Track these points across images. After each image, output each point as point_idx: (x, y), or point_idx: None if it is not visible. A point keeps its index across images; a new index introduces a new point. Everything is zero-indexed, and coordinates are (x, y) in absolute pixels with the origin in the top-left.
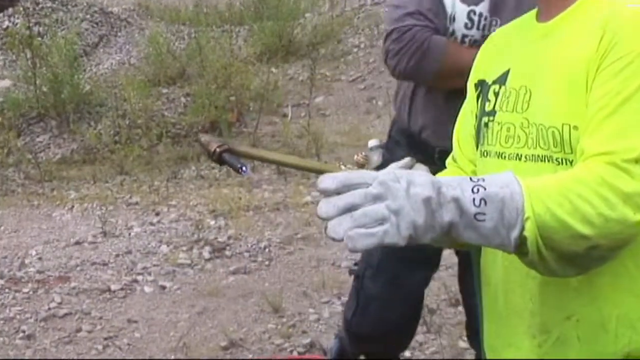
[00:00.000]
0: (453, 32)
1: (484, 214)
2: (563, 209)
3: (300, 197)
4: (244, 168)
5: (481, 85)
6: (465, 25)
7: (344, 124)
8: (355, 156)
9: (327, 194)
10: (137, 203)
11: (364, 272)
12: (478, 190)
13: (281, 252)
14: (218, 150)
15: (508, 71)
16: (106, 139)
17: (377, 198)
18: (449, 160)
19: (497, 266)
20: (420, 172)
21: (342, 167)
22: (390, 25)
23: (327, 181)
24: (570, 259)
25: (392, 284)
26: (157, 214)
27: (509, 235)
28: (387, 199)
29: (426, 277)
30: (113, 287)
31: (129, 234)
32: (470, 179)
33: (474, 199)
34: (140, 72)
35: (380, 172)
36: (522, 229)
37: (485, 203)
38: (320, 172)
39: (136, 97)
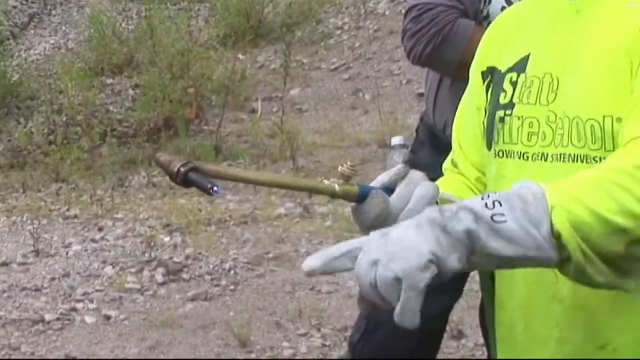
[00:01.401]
0: (487, 16)
1: (502, 214)
2: (596, 198)
3: (272, 209)
4: (215, 188)
5: (492, 74)
6: (504, 10)
7: (324, 122)
8: (340, 167)
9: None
10: (76, 216)
11: None
12: (489, 196)
13: (249, 274)
14: (183, 170)
15: (528, 57)
16: (39, 139)
17: (373, 264)
18: (447, 165)
19: (516, 287)
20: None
21: (326, 181)
22: (413, 0)
23: (311, 262)
24: (617, 264)
25: None
26: (101, 230)
27: (540, 231)
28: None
29: (447, 305)
30: (47, 318)
31: (67, 253)
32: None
33: (486, 204)
34: (79, 58)
35: (366, 238)
36: (551, 222)
37: (501, 204)
38: (302, 190)
39: (75, 89)
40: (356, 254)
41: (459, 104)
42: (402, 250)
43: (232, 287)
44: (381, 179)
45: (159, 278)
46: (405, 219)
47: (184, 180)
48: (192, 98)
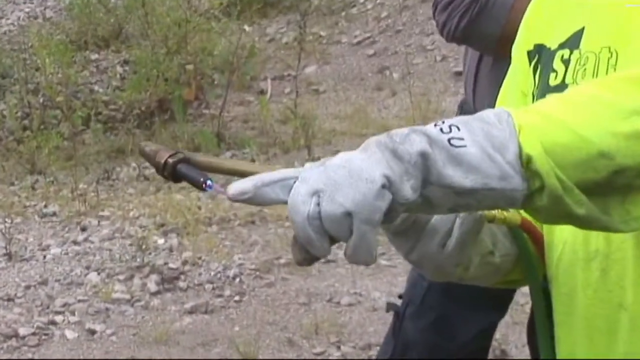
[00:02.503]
0: None
1: (460, 138)
2: (575, 115)
3: (284, 207)
4: (208, 182)
5: (539, 52)
6: None
7: (344, 105)
8: None
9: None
10: (54, 214)
11: (405, 309)
12: (443, 122)
13: (257, 283)
14: (171, 161)
15: (582, 30)
16: (11, 124)
17: (313, 194)
18: None
19: (576, 297)
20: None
21: None
22: None
23: (240, 184)
24: (597, 194)
25: (439, 327)
26: (84, 229)
27: (505, 156)
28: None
29: (491, 323)
30: (22, 332)
31: (44, 256)
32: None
33: (440, 129)
34: (58, 29)
35: (302, 168)
36: (519, 144)
37: (458, 128)
38: None
39: (53, 65)
40: (290, 184)
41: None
42: (348, 177)
43: (236, 298)
44: None
45: (152, 286)
46: (440, 221)
47: (172, 174)
48: (191, 76)
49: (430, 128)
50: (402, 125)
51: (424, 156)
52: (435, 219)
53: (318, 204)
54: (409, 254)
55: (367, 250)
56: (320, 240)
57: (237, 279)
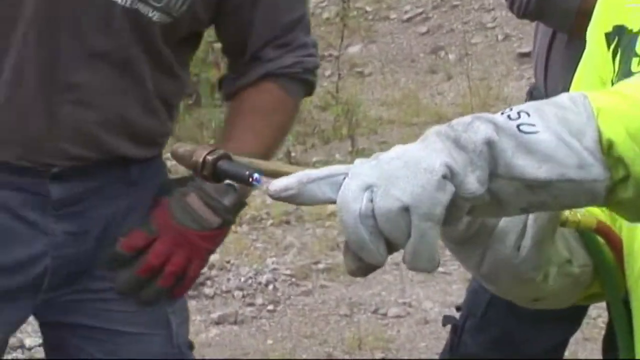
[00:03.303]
0: None
1: (531, 124)
2: None
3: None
4: (255, 176)
5: (618, 34)
6: None
7: (393, 89)
8: None
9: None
10: None
11: (464, 323)
12: (510, 109)
13: (293, 290)
14: (210, 159)
15: None
16: None
17: (365, 189)
18: None
19: None
20: None
21: None
22: None
23: (282, 181)
24: None
25: (503, 343)
26: None
27: (583, 142)
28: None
29: (559, 339)
30: (28, 342)
31: None
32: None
33: (508, 116)
34: None
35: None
36: (598, 129)
37: (528, 114)
38: None
39: None
40: (339, 180)
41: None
42: (404, 168)
43: (269, 307)
44: None
45: None
46: (510, 221)
47: (212, 172)
48: (217, 56)
49: (495, 116)
50: (458, 113)
51: (490, 144)
52: (504, 219)
53: (371, 200)
54: (479, 266)
55: (429, 253)
56: (374, 242)
57: (270, 286)
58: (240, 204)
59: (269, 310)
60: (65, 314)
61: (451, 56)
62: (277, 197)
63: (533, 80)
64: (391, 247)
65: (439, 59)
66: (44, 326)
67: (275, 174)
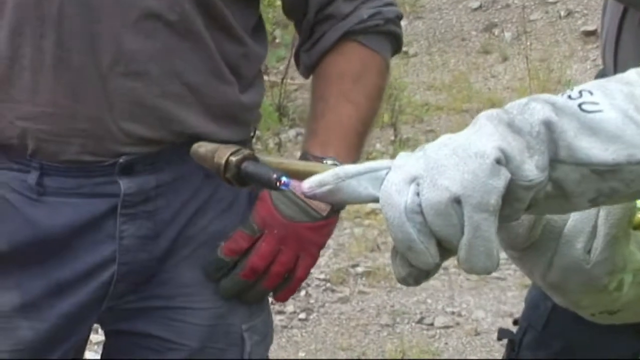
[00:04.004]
0: None
1: (594, 102)
2: None
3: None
4: (283, 179)
5: None
6: None
7: (441, 72)
8: None
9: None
10: None
11: (522, 336)
12: (571, 89)
13: (328, 297)
14: (233, 159)
15: None
16: None
17: (411, 181)
18: None
19: None
20: None
21: None
22: None
23: (317, 177)
24: None
25: (567, 358)
26: None
27: None
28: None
29: (632, 354)
30: None
31: None
32: None
33: (568, 95)
34: None
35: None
36: None
37: (590, 93)
38: None
39: None
40: (382, 175)
41: None
42: (452, 155)
43: (302, 316)
44: None
45: None
46: (580, 221)
47: (237, 175)
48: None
49: (553, 96)
50: (514, 99)
51: (548, 126)
52: (573, 218)
53: (418, 194)
54: (546, 274)
55: (486, 249)
56: (424, 241)
57: (303, 292)
58: None
59: (300, 319)
60: (131, 323)
61: (507, 34)
62: (311, 194)
63: (600, 62)
64: (444, 250)
65: (493, 38)
66: (108, 335)
67: (304, 175)
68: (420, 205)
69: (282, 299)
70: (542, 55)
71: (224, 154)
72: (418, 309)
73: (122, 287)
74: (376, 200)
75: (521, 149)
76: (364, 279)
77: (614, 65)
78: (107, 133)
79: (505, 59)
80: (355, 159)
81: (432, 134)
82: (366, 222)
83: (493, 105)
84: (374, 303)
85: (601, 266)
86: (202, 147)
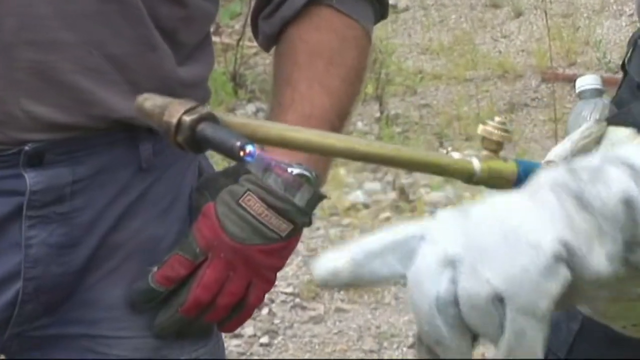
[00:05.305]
0: None
1: None
2: None
3: (340, 193)
4: (248, 148)
5: None
6: None
7: (439, 31)
8: (481, 125)
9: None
10: None
11: None
12: None
13: (297, 316)
14: (187, 119)
15: None
16: None
17: (447, 264)
18: None
19: None
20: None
21: (451, 152)
22: None
23: (331, 262)
24: None
25: None
26: None
27: None
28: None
29: None
30: None
31: None
32: None
33: None
34: None
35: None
36: None
37: None
38: (401, 165)
39: None
40: (412, 248)
41: None
42: (501, 238)
43: (264, 340)
44: (560, 149)
45: None
46: None
47: (191, 138)
48: None
49: (633, 151)
50: (530, 66)
51: (628, 204)
52: None
53: (453, 281)
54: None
55: (529, 354)
56: (455, 337)
57: (265, 310)
58: (316, 199)
59: (262, 344)
60: (44, 353)
61: None
62: (323, 284)
63: (636, 20)
64: (477, 338)
65: None
66: None
67: (287, 144)
68: (455, 295)
69: (231, 329)
70: (565, 10)
71: (176, 111)
72: (411, 330)
73: (30, 309)
74: (402, 278)
75: (590, 235)
76: (342, 293)
77: None
78: (8, 117)
79: (519, 14)
80: (328, 164)
81: (427, 109)
82: (345, 220)
83: (504, 72)
84: (354, 323)
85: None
86: (148, 101)
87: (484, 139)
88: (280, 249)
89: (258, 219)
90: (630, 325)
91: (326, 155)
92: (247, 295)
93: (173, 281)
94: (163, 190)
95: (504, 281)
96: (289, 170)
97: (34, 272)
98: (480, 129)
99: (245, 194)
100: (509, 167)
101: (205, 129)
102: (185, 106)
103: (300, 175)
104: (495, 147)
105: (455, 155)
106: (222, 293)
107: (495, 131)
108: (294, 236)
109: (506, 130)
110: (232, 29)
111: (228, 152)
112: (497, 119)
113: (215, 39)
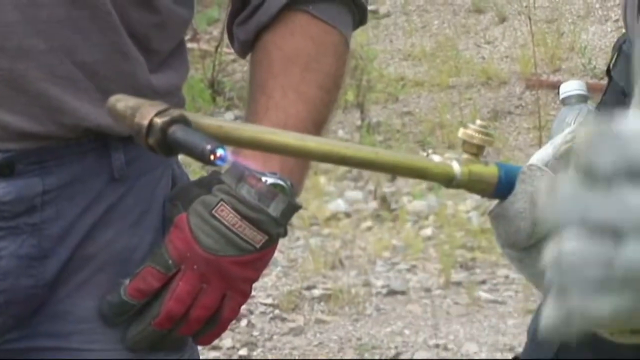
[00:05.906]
0: None
1: None
2: None
3: (320, 202)
4: (219, 152)
5: None
6: None
7: (421, 36)
8: (462, 129)
9: None
10: None
11: None
12: None
13: (276, 327)
14: (159, 122)
15: None
16: None
17: None
18: None
19: None
20: None
21: (431, 155)
22: None
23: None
24: None
25: None
26: None
27: None
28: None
29: None
30: None
31: None
32: None
33: None
34: None
35: None
36: None
37: None
38: (380, 169)
39: None
40: None
41: None
42: None
43: (242, 352)
44: (542, 154)
45: None
46: None
47: (162, 141)
48: None
49: None
50: (514, 72)
51: None
52: None
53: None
54: None
55: None
56: None
57: (244, 321)
58: (291, 209)
59: (241, 357)
60: None
61: None
62: None
63: (621, 25)
64: None
65: None
66: None
67: (259, 146)
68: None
69: (206, 342)
70: (550, 15)
71: (147, 113)
72: (392, 342)
73: (0, 322)
74: None
75: None
76: (322, 304)
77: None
78: None
79: (503, 19)
80: (304, 173)
81: (409, 117)
82: (325, 230)
83: (488, 79)
84: (335, 335)
85: None
86: (120, 102)
87: (464, 142)
88: (255, 260)
89: (232, 230)
90: (618, 331)
91: (303, 158)
92: (221, 308)
93: (145, 294)
94: (136, 200)
95: None
96: (263, 179)
97: (4, 284)
98: (461, 132)
99: (219, 205)
100: (490, 170)
101: (177, 131)
102: (157, 108)
103: (274, 185)
104: (476, 150)
105: (436, 158)
106: (195, 305)
107: (476, 134)
108: (269, 247)
109: (487, 134)
110: (210, 35)
111: (199, 155)
112: (478, 122)
113: (192, 45)
